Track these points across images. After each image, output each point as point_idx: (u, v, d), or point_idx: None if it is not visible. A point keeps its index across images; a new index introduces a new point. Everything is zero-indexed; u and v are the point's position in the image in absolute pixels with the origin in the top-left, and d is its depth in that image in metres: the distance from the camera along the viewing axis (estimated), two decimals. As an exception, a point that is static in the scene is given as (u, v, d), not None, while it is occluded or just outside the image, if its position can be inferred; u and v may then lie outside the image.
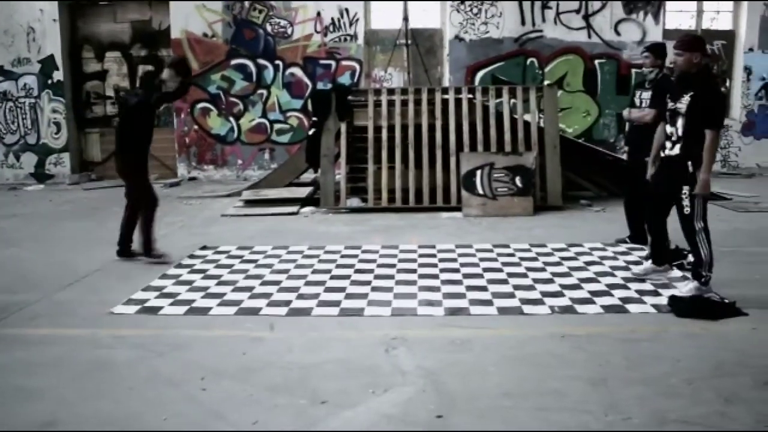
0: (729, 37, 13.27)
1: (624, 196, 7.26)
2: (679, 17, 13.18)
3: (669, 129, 5.48)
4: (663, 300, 5.30)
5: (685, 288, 5.43)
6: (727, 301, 5.17)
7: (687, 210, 5.35)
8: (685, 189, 5.32)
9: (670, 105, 5.47)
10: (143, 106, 6.73)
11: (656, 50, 6.70)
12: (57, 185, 12.85)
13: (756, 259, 6.53)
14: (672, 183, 5.44)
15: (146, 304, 5.48)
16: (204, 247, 7.39)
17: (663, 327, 4.77)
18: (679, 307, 5.05)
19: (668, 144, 5.49)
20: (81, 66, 13.47)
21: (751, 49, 13.09)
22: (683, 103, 5.32)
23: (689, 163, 5.29)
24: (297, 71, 12.90)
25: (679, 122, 5.36)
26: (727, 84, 13.41)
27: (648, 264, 6.02)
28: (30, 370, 4.22)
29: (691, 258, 5.70)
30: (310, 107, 11.90)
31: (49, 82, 13.09)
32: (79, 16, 13.37)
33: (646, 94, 6.63)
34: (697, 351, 4.32)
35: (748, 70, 13.14)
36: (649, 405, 3.59)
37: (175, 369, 4.19)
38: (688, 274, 5.67)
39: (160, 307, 5.42)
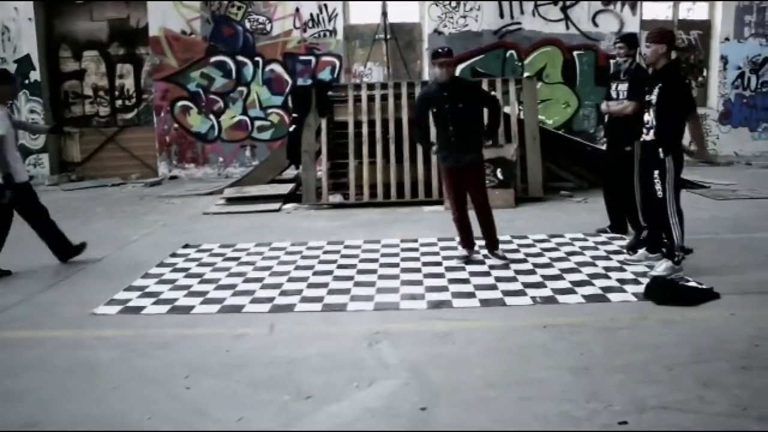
0: (705, 27, 13.39)
1: (604, 187, 7.31)
2: (655, 8, 13.28)
3: (646, 117, 5.74)
4: (643, 288, 5.36)
5: (660, 267, 5.66)
6: (704, 286, 5.25)
7: (660, 194, 5.61)
8: (656, 173, 5.60)
9: (647, 97, 5.74)
10: None
11: (629, 40, 6.80)
12: (36, 186, 12.58)
13: (733, 246, 6.61)
14: (647, 170, 5.75)
15: (128, 304, 5.46)
16: (186, 246, 7.37)
17: (643, 315, 4.82)
18: (657, 295, 5.11)
19: (644, 131, 5.77)
20: (58, 65, 13.35)
21: (727, 39, 13.22)
22: (654, 95, 5.60)
23: (660, 149, 5.57)
24: (277, 68, 12.87)
25: (652, 111, 5.63)
26: (704, 74, 13.54)
27: (642, 251, 6.14)
28: (11, 372, 4.20)
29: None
30: (290, 104, 11.88)
31: (26, 82, 12.95)
32: (55, 15, 13.24)
33: (623, 86, 6.67)
34: (677, 338, 4.37)
35: (724, 60, 13.27)
36: (630, 392, 3.63)
37: (158, 368, 4.18)
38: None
39: (143, 307, 5.40)
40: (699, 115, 5.60)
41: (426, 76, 12.64)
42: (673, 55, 5.75)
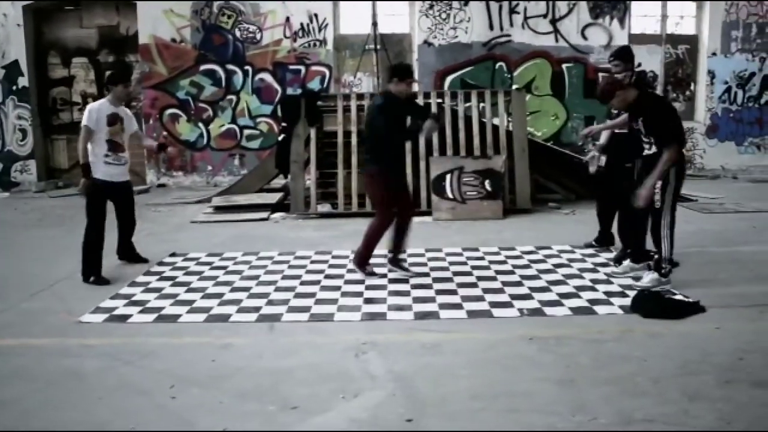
0: (693, 41, 13.51)
1: (598, 200, 7.25)
2: (644, 22, 13.39)
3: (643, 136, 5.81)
4: (630, 301, 5.37)
5: (646, 279, 5.73)
6: (690, 300, 5.28)
7: (657, 204, 5.62)
8: (658, 183, 5.58)
9: (634, 125, 5.85)
10: None
11: (623, 56, 6.68)
12: (22, 193, 12.66)
13: (719, 259, 6.65)
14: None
15: (114, 312, 5.43)
16: (173, 254, 7.34)
17: (629, 328, 4.84)
18: (644, 308, 5.13)
19: (646, 146, 5.79)
20: (47, 72, 13.30)
21: (714, 54, 13.34)
22: (641, 124, 5.72)
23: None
24: (266, 77, 12.87)
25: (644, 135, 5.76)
26: (692, 88, 13.65)
27: (627, 263, 6.17)
28: (-6, 381, 4.16)
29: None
30: (279, 113, 11.88)
31: (14, 88, 12.90)
32: (45, 22, 13.20)
33: None
34: (663, 351, 4.39)
35: (711, 74, 13.38)
36: (616, 404, 3.64)
37: (144, 377, 4.16)
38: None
39: (129, 315, 5.37)
40: (673, 150, 5.52)
41: (415, 87, 12.64)
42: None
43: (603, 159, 6.89)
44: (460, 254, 7.11)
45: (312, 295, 5.81)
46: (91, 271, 6.32)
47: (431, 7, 12.82)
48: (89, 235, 6.41)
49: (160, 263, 6.98)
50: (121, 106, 6.69)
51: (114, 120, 6.53)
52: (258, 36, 12.82)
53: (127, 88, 6.75)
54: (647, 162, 5.75)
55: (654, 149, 5.66)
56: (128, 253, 6.98)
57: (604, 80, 6.29)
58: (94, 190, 6.45)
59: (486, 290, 5.82)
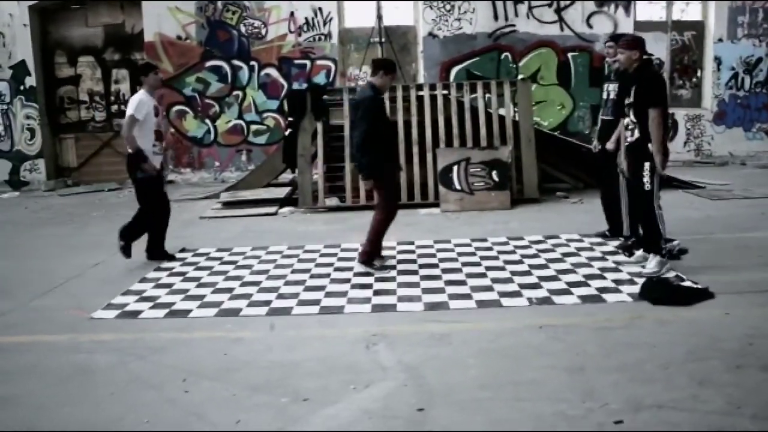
0: (699, 27, 13.43)
1: (601, 191, 7.28)
2: (649, 9, 13.32)
3: (626, 120, 5.94)
4: (639, 289, 5.38)
5: (651, 264, 5.79)
6: (699, 286, 5.29)
7: (648, 186, 5.75)
8: (647, 165, 5.71)
9: (626, 101, 5.92)
10: None
11: (615, 37, 6.82)
12: (32, 192, 12.73)
13: (728, 246, 6.64)
14: (637, 165, 5.84)
15: (126, 309, 5.48)
16: (183, 250, 7.38)
17: (638, 315, 4.85)
18: (653, 295, 5.14)
19: (628, 133, 5.95)
20: (53, 71, 13.34)
21: (720, 40, 13.25)
22: (632, 95, 5.78)
23: (649, 144, 5.69)
24: (272, 72, 12.88)
25: (632, 112, 5.82)
26: (698, 74, 13.59)
27: (640, 252, 6.17)
28: (6, 377, 4.21)
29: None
30: (285, 108, 11.89)
31: (22, 87, 12.95)
32: (50, 21, 13.24)
33: (613, 86, 6.70)
34: (671, 337, 4.40)
35: (718, 60, 13.29)
36: (625, 391, 3.66)
37: (155, 372, 4.20)
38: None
39: (140, 311, 5.41)
40: (662, 114, 5.65)
41: (421, 79, 12.68)
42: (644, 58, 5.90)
43: (597, 145, 6.96)
44: (469, 245, 7.12)
45: (322, 288, 5.84)
46: (132, 239, 6.78)
47: (435, -2, 12.80)
48: (152, 219, 6.89)
49: (171, 259, 7.01)
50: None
51: (157, 111, 6.87)
52: (263, 31, 12.82)
53: (158, 75, 6.96)
54: (633, 149, 5.88)
55: (636, 135, 5.77)
56: (158, 251, 7.02)
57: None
58: (152, 177, 6.77)
59: (495, 280, 5.84)
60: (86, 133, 13.45)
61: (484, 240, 7.28)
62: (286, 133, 10.23)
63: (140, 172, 6.68)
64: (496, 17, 12.86)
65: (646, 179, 5.73)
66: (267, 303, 5.49)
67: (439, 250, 6.97)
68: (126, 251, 6.74)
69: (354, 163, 6.26)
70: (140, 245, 6.91)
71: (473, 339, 4.54)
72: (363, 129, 6.04)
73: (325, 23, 12.82)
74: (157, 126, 6.81)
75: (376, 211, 6.34)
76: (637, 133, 5.78)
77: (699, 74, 13.59)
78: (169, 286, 6.09)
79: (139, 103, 6.61)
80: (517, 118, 9.80)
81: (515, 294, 5.46)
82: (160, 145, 6.91)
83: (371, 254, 6.29)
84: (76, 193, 12.31)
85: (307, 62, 12.87)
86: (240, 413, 3.61)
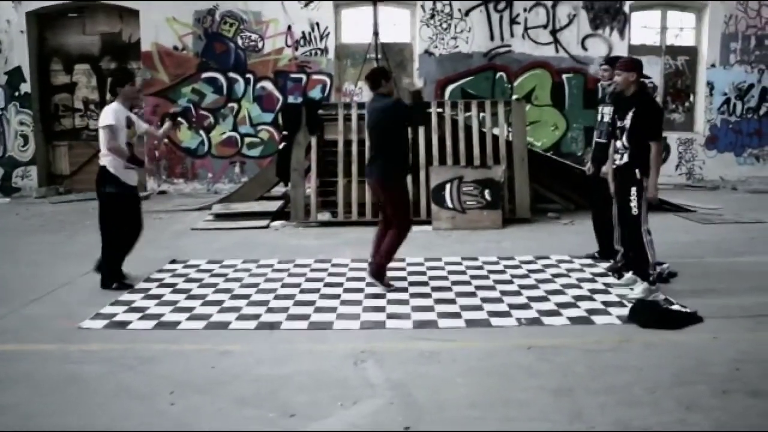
0: (692, 52, 13.57)
1: (592, 212, 7.30)
2: (644, 33, 13.46)
3: (618, 143, 5.97)
4: (627, 311, 5.40)
5: (637, 290, 5.78)
6: (688, 310, 5.32)
7: (635, 211, 5.79)
8: (633, 190, 5.77)
9: (618, 123, 5.94)
10: None
11: (611, 60, 6.90)
12: (24, 198, 12.69)
13: (718, 270, 6.68)
14: (624, 190, 5.89)
15: (115, 319, 5.46)
16: (173, 261, 7.37)
17: (626, 338, 4.87)
18: (641, 318, 5.16)
19: (617, 156, 5.98)
20: (49, 78, 13.34)
21: (713, 65, 13.39)
22: (628, 119, 5.79)
23: (636, 170, 5.75)
24: (268, 85, 12.92)
25: (625, 136, 5.83)
26: (691, 99, 13.71)
27: (630, 275, 6.17)
28: (-4, 386, 4.19)
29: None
30: (280, 121, 11.91)
31: (16, 94, 12.93)
32: (48, 28, 13.25)
33: (608, 109, 6.74)
34: (659, 360, 4.42)
35: (710, 86, 13.43)
36: (613, 414, 3.67)
37: (144, 383, 4.19)
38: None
39: (129, 322, 5.40)
40: (660, 145, 5.77)
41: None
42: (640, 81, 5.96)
43: (591, 167, 7.01)
44: (460, 263, 7.14)
45: (311, 303, 5.84)
46: (114, 277, 6.38)
47: (432, 16, 12.89)
48: (111, 243, 6.36)
49: (160, 270, 7.00)
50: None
51: (130, 123, 6.49)
52: (259, 44, 12.88)
53: (134, 86, 6.75)
54: (621, 172, 5.92)
55: (626, 159, 5.81)
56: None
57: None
58: (115, 199, 6.31)
59: (484, 299, 5.85)
60: (80, 141, 13.43)
61: (475, 259, 7.30)
62: (280, 146, 10.25)
63: (111, 186, 6.26)
64: (492, 37, 12.95)
65: (634, 204, 5.77)
66: (256, 317, 5.48)
67: (429, 268, 6.98)
68: (120, 282, 6.40)
69: (403, 171, 6.37)
70: (136, 252, 6.88)
71: (462, 358, 4.55)
72: (385, 139, 6.17)
73: (321, 38, 12.89)
74: (128, 138, 6.46)
75: (394, 226, 6.29)
76: (626, 158, 5.82)
77: (692, 99, 13.72)
78: (158, 297, 6.07)
79: (112, 110, 6.25)
80: (510, 138, 9.85)
81: (505, 314, 5.47)
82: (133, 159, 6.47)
83: (385, 267, 6.26)
84: (68, 201, 12.27)
85: (303, 76, 12.92)
86: (227, 427, 3.60)
